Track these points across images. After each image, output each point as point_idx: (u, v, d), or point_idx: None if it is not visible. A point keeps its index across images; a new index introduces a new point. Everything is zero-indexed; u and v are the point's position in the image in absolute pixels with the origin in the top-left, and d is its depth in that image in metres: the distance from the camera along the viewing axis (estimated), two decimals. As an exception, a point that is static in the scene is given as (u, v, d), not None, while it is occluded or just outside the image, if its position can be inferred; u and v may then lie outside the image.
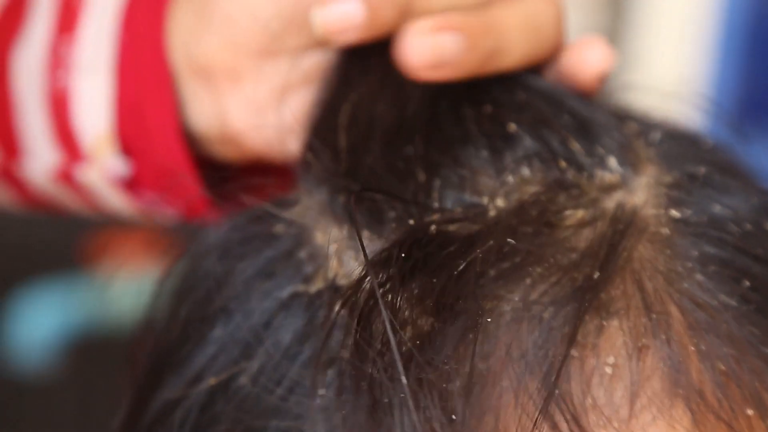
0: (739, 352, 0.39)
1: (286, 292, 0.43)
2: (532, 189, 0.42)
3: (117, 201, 0.53)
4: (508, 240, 0.40)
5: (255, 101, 0.49)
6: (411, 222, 0.42)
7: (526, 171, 0.43)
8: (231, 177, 0.53)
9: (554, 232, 0.41)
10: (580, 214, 0.42)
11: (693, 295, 0.40)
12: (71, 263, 1.46)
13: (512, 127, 0.44)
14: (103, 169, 0.51)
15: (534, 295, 0.39)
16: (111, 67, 0.50)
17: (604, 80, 0.47)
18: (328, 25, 0.46)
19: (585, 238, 0.41)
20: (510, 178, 0.43)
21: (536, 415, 0.37)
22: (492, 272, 0.40)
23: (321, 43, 0.48)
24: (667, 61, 1.55)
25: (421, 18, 0.45)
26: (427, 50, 0.44)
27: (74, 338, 1.44)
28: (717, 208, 0.43)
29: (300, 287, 0.43)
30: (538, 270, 0.40)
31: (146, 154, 0.51)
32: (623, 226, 0.41)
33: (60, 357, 1.47)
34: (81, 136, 0.51)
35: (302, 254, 0.43)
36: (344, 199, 0.43)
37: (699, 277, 0.41)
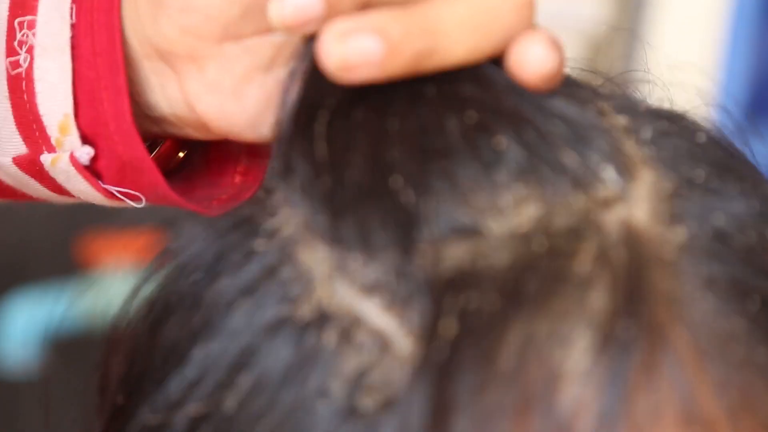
0: (752, 379, 0.39)
1: (271, 316, 0.41)
2: (530, 209, 0.40)
3: (85, 188, 0.51)
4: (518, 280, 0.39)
5: (219, 85, 0.47)
6: (403, 244, 0.40)
7: (521, 188, 0.41)
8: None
9: (565, 270, 0.39)
10: (589, 250, 0.40)
11: (705, 322, 0.39)
12: (65, 262, 1.46)
13: (500, 139, 0.41)
14: (69, 155, 0.50)
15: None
16: (69, 48, 0.49)
17: (548, 81, 0.43)
18: (285, 18, 0.44)
19: (601, 277, 0.39)
20: (506, 198, 0.40)
21: None
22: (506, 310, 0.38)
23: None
24: (678, 51, 1.53)
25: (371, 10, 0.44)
26: (339, 54, 0.42)
27: (66, 337, 1.44)
28: (721, 220, 0.42)
29: (286, 310, 0.41)
30: (554, 314, 0.38)
31: (106, 140, 0.49)
32: (634, 256, 0.40)
33: (52, 356, 1.46)
34: (45, 119, 0.49)
35: (286, 273, 0.41)
36: (330, 219, 0.41)
37: (709, 299, 0.40)
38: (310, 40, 0.45)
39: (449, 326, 0.38)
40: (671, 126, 0.45)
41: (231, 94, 0.47)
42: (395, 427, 0.38)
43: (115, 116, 0.48)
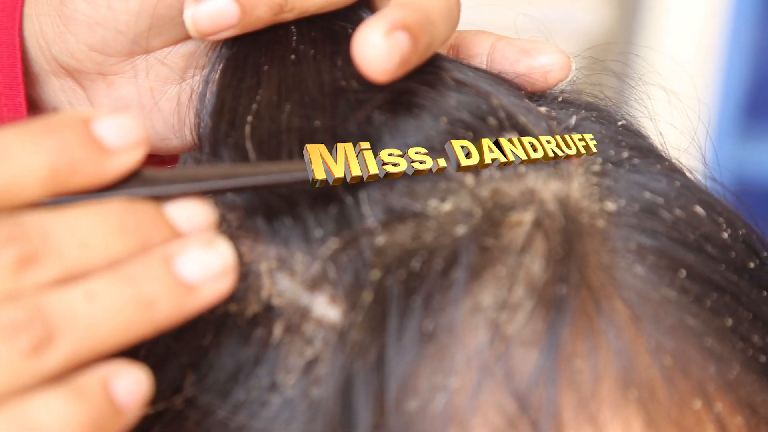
0: (684, 344, 0.40)
1: (216, 313, 0.41)
2: (475, 189, 0.41)
3: None
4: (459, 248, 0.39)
5: (130, 99, 0.48)
6: (340, 237, 0.40)
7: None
8: None
9: (504, 239, 0.40)
10: (527, 216, 0.41)
11: (637, 289, 0.40)
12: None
13: (443, 120, 0.42)
14: None
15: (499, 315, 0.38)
16: None
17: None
18: (199, 24, 0.44)
19: (537, 245, 0.40)
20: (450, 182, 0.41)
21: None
22: (448, 281, 0.39)
23: (189, 36, 0.46)
24: (677, 51, 1.54)
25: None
26: (386, 52, 0.41)
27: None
28: (647, 195, 0.43)
29: (232, 307, 0.41)
30: (495, 281, 0.39)
31: None
32: (569, 226, 0.41)
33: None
34: None
35: None
36: (265, 217, 0.41)
37: (639, 270, 0.41)
38: (221, 46, 0.45)
39: (367, 297, 0.38)
40: (589, 113, 0.46)
41: (142, 108, 0.48)
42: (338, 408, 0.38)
43: None
